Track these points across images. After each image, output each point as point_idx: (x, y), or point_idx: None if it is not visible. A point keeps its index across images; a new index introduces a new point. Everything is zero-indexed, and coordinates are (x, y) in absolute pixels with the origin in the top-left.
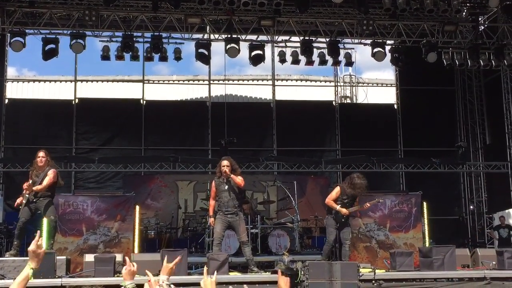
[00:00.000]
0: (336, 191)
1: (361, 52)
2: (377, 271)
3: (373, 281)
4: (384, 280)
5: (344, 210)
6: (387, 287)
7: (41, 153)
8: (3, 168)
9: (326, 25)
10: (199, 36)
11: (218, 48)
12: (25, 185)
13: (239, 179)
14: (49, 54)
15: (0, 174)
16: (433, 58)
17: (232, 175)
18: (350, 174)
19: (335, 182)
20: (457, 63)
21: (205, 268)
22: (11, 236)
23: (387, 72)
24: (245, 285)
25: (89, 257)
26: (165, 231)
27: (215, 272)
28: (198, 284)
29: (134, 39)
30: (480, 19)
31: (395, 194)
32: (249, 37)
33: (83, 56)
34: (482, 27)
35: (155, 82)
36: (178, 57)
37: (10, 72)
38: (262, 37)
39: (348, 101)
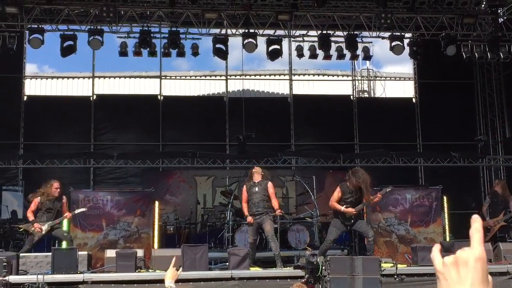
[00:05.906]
0: (337, 191)
1: (381, 45)
2: (398, 265)
3: (395, 276)
4: (406, 274)
5: (350, 210)
6: (409, 282)
7: (56, 184)
8: (23, 164)
9: (344, 19)
10: (217, 31)
11: (236, 42)
12: (37, 228)
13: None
14: (67, 50)
15: (20, 171)
16: (452, 51)
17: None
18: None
19: None
20: (477, 56)
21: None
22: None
23: (407, 66)
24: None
25: (111, 253)
26: (184, 227)
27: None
28: (219, 279)
29: (152, 35)
30: (499, 11)
31: (415, 188)
32: (267, 31)
33: (101, 53)
34: (502, 19)
35: (172, 77)
36: (195, 53)
37: (31, 69)
38: (280, 32)
39: (366, 95)
